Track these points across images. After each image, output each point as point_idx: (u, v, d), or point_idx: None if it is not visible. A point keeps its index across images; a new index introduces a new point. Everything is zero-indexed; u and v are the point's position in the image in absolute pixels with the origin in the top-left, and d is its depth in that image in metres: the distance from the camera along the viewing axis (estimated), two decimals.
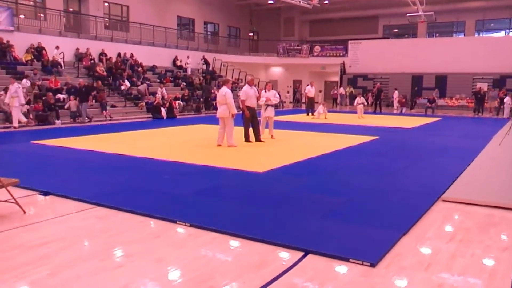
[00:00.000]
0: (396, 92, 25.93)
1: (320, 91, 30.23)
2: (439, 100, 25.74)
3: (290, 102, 30.42)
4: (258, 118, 11.07)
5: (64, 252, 3.88)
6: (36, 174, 7.03)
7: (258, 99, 10.93)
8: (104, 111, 17.41)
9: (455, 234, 4.46)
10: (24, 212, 4.96)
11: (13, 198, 4.97)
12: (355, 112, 19.78)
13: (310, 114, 19.76)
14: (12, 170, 6.73)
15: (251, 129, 10.73)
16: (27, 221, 4.71)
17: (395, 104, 25.55)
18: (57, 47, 19.35)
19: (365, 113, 19.68)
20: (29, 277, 3.37)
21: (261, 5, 34.12)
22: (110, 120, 17.10)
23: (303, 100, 25.89)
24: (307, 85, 21.16)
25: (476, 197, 5.72)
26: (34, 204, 5.43)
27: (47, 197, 5.73)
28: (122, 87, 19.62)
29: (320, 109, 18.67)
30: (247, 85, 10.93)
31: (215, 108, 14.85)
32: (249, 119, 10.58)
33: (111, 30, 23.89)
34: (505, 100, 21.28)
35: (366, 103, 19.35)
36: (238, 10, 34.30)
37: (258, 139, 10.76)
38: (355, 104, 20.17)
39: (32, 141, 10.64)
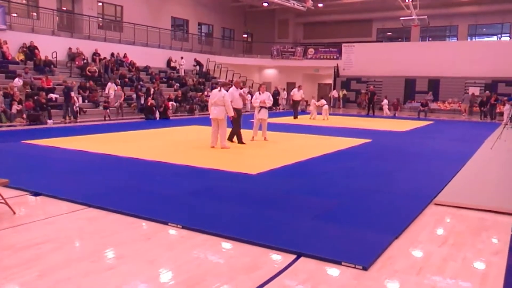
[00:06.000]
0: (385, 100, 24.52)
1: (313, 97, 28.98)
2: (432, 104, 25.84)
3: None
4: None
5: (55, 253, 3.83)
6: (26, 174, 6.95)
7: (244, 101, 10.97)
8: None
9: (447, 238, 4.48)
10: (14, 213, 4.90)
11: (3, 198, 4.91)
12: (348, 115, 19.88)
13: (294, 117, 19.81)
14: (2, 170, 6.66)
15: (239, 131, 10.75)
16: (17, 222, 4.66)
17: (385, 110, 24.18)
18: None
19: (358, 116, 19.72)
20: (19, 279, 3.33)
21: (255, 7, 34.14)
22: (104, 120, 16.98)
23: (286, 103, 25.45)
24: (291, 88, 20.96)
25: (468, 201, 5.75)
26: (24, 205, 5.37)
27: (38, 197, 5.67)
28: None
29: (312, 106, 18.67)
30: (233, 87, 10.98)
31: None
32: (237, 120, 10.59)
33: (104, 30, 23.77)
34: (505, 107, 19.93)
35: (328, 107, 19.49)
36: (232, 11, 34.30)
37: (240, 141, 10.76)
38: (319, 103, 19.85)
39: (23, 141, 10.53)
